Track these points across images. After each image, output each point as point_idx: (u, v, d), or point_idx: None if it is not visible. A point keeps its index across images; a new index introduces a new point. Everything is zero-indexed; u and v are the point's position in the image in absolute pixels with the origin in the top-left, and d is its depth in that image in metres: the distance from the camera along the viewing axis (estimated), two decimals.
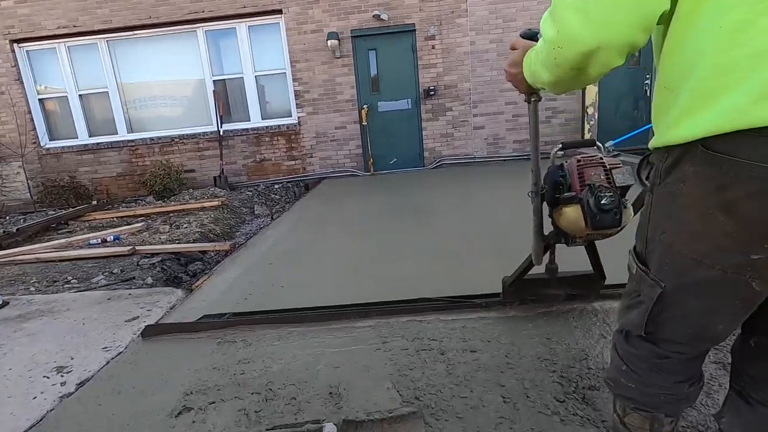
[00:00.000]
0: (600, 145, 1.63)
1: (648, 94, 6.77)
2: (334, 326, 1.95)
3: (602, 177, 1.41)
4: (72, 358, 1.91)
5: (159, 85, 7.11)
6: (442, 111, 6.86)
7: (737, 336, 0.89)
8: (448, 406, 1.36)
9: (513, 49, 1.00)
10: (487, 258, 2.67)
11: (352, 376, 1.58)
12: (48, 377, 1.77)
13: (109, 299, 2.57)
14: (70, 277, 3.24)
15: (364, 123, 6.80)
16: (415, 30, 6.58)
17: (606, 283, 1.86)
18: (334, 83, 6.79)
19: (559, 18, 0.70)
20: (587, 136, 6.69)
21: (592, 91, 6.59)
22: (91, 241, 4.28)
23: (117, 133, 7.15)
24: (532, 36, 1.01)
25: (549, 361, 1.55)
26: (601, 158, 1.46)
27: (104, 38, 6.82)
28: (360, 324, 1.95)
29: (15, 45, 6.79)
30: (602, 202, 1.31)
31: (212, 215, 5.11)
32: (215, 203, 5.55)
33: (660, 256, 0.77)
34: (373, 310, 2.05)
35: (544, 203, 1.54)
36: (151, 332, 2.09)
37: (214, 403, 1.50)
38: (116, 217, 5.37)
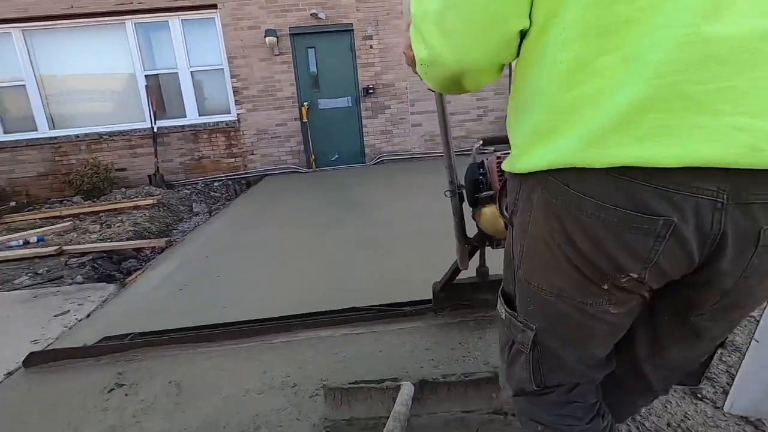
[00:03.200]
0: None
1: None
2: (248, 344, 1.81)
3: None
4: None
5: (84, 78, 6.72)
6: (381, 109, 7.11)
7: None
8: None
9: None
10: (419, 250, 2.88)
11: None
12: None
13: (35, 297, 2.53)
14: None
15: (305, 120, 6.89)
16: (353, 30, 6.76)
17: None
18: (274, 80, 6.81)
19: (425, 37, 0.63)
20: None
21: None
22: (11, 243, 4.05)
23: (37, 130, 6.68)
24: None
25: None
26: None
27: (19, 27, 6.35)
28: (278, 340, 1.82)
29: None
30: None
31: (147, 214, 4.98)
32: (150, 202, 5.40)
33: (522, 296, 0.71)
34: (295, 323, 1.91)
35: (465, 203, 1.49)
36: (34, 361, 1.78)
37: (146, 378, 1.61)
38: (39, 219, 5.07)
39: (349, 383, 1.34)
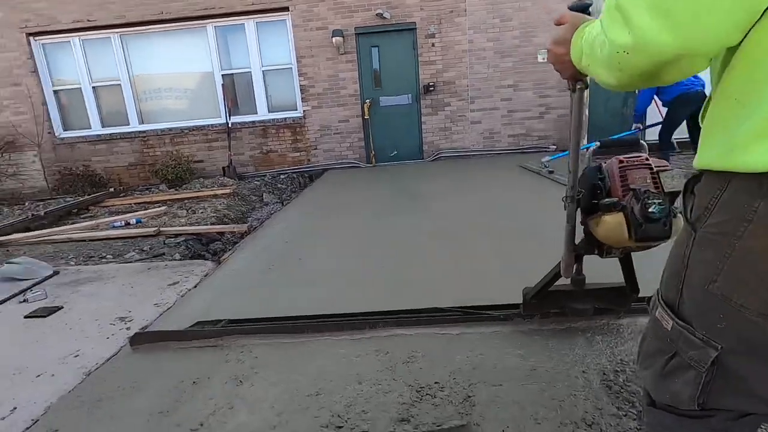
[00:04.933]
0: (645, 144, 1.46)
1: (636, 92, 7.11)
2: (334, 338, 1.86)
3: (649, 181, 1.26)
4: (130, 311, 2.27)
5: (169, 77, 7.40)
6: (441, 106, 7.20)
7: None
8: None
9: (559, 24, 0.82)
10: (490, 244, 2.99)
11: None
12: (114, 324, 2.13)
13: (148, 269, 2.93)
14: (104, 254, 3.58)
15: (367, 117, 7.13)
16: (416, 28, 6.90)
17: (639, 296, 1.64)
18: (338, 78, 7.12)
19: (630, 18, 0.55)
20: None
21: None
22: (115, 224, 4.61)
23: (129, 124, 7.45)
24: (583, 8, 0.86)
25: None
26: (647, 159, 1.31)
27: (117, 32, 7.10)
28: (364, 336, 1.85)
29: (31, 38, 7.05)
30: (650, 210, 1.16)
31: (225, 202, 5.45)
32: (227, 191, 5.88)
33: (711, 311, 0.62)
34: (379, 320, 1.92)
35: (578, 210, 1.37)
36: (139, 341, 1.93)
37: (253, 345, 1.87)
38: (133, 203, 5.70)
39: None
